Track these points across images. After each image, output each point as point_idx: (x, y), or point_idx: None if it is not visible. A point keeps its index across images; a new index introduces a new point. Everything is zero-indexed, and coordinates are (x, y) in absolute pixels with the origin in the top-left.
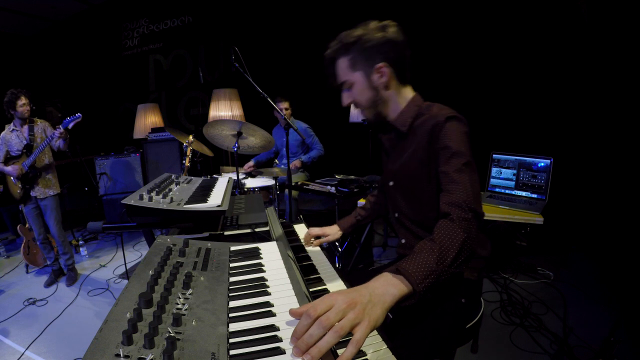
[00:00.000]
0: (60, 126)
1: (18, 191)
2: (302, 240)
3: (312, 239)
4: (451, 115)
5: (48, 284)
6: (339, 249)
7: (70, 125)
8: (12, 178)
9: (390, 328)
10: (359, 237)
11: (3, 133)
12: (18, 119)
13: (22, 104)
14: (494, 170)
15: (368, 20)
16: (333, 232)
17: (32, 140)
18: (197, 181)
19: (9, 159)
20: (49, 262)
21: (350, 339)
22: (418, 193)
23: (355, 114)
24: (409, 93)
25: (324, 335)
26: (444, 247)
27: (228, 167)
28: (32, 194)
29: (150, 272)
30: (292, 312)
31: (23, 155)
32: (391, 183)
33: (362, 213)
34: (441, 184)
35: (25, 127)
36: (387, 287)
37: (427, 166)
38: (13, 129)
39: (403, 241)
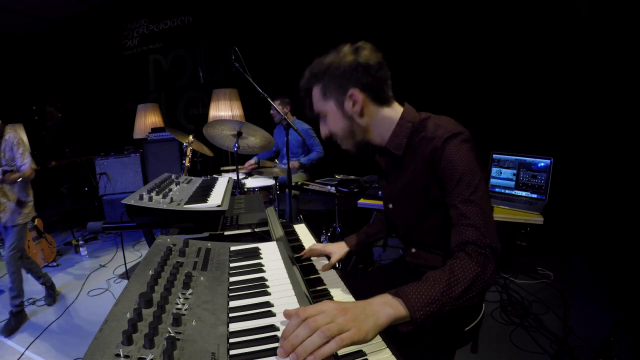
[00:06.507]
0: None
1: None
2: (302, 241)
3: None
4: (448, 136)
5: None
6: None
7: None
8: None
9: (392, 330)
10: None
11: None
12: None
13: None
14: (494, 170)
15: (342, 44)
16: (337, 249)
17: None
18: (197, 181)
19: None
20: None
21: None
22: (422, 220)
23: None
24: (395, 110)
25: (311, 336)
26: (453, 278)
27: (227, 167)
28: None
29: (150, 272)
30: (285, 314)
31: None
32: (390, 206)
33: (370, 229)
34: (451, 218)
35: None
36: (384, 306)
37: (429, 194)
38: None
39: (413, 250)
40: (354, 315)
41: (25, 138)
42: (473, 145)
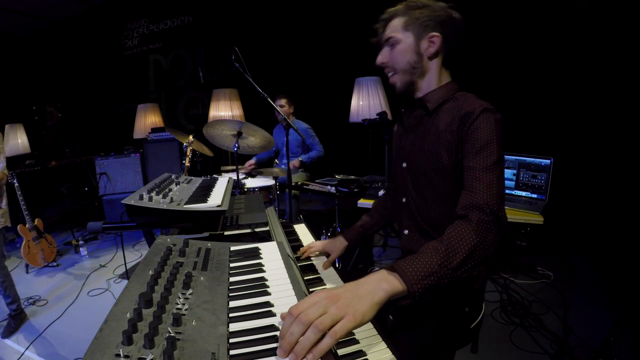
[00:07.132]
0: None
1: None
2: (302, 241)
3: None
4: (488, 108)
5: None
6: (345, 267)
7: None
8: None
9: (391, 330)
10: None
11: None
12: None
13: None
14: None
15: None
16: (336, 246)
17: None
18: (197, 181)
19: None
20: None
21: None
22: (433, 182)
23: (355, 114)
24: (445, 77)
25: (306, 333)
26: (451, 249)
27: (228, 167)
28: None
29: (150, 272)
30: (282, 317)
31: None
32: (404, 164)
33: (368, 221)
34: (464, 180)
35: None
36: (380, 282)
37: (449, 156)
38: None
39: (406, 232)
40: (347, 300)
41: (24, 139)
42: (503, 130)
